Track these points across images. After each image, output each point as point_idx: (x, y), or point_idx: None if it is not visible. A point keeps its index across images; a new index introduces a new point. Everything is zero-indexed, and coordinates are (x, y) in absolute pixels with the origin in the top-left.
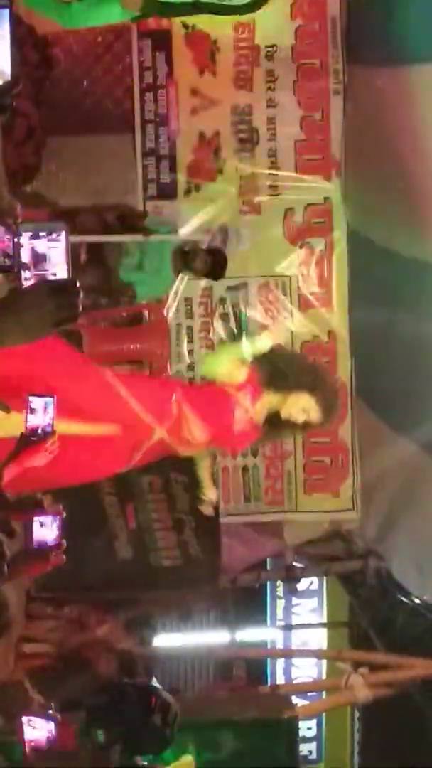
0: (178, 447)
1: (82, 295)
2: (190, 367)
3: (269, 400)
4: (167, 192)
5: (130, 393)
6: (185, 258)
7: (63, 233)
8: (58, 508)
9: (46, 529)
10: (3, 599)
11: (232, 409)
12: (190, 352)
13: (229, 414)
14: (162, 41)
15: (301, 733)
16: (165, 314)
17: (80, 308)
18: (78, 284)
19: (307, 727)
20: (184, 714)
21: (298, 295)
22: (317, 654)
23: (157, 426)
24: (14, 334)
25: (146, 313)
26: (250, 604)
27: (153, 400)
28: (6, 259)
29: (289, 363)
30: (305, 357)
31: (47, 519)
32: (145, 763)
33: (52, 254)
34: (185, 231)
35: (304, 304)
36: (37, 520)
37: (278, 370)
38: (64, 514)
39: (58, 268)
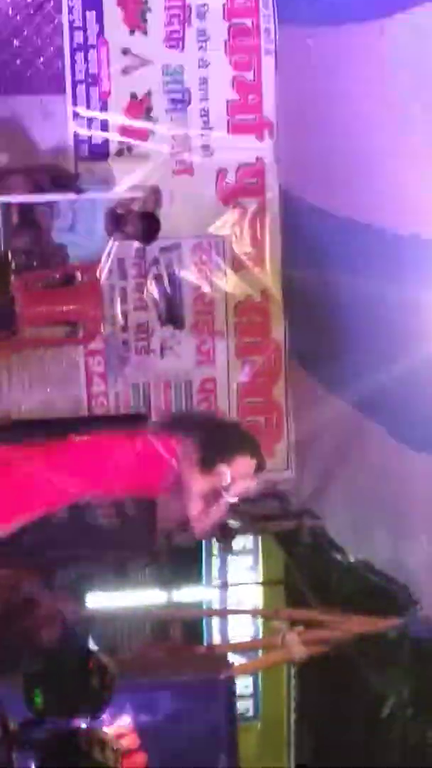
0: None
1: None
2: (123, 329)
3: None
4: (99, 152)
5: None
6: (117, 222)
7: None
8: None
9: None
10: None
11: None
12: (124, 313)
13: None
14: (93, 1)
15: (237, 691)
16: (98, 276)
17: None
18: None
19: (243, 685)
20: (120, 676)
21: (231, 256)
22: (253, 612)
23: None
24: None
25: (79, 274)
26: (185, 563)
27: None
28: None
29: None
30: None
31: None
32: (83, 726)
33: None
34: (117, 191)
35: (237, 265)
36: None
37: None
38: None
39: None
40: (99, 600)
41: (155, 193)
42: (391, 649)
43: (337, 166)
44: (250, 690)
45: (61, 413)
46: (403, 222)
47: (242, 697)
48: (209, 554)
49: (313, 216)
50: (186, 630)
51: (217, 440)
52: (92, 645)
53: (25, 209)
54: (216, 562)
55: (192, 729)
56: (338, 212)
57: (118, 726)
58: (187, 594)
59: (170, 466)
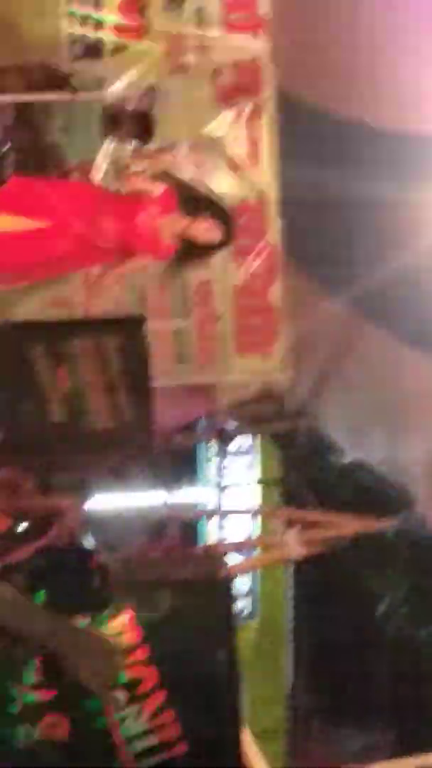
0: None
1: None
2: None
3: (178, 219)
4: (93, 51)
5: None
6: (112, 122)
7: None
8: None
9: None
10: None
11: (139, 211)
12: None
13: (137, 214)
14: None
15: (235, 590)
16: (93, 176)
17: None
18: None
19: (241, 584)
20: (120, 575)
21: (227, 157)
22: (251, 512)
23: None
24: None
25: (74, 175)
26: (183, 465)
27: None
28: None
29: (198, 191)
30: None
31: None
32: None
33: None
34: (112, 91)
35: (233, 166)
36: None
37: (191, 196)
38: None
39: None
40: (98, 502)
41: (150, 92)
42: (388, 549)
43: (336, 65)
44: (248, 589)
45: (59, 314)
46: (404, 119)
47: (240, 596)
48: (207, 456)
49: (311, 116)
50: (184, 531)
51: (198, 196)
52: (93, 545)
53: (20, 108)
54: (214, 463)
55: (192, 626)
56: (337, 111)
57: (120, 623)
58: (185, 495)
59: None
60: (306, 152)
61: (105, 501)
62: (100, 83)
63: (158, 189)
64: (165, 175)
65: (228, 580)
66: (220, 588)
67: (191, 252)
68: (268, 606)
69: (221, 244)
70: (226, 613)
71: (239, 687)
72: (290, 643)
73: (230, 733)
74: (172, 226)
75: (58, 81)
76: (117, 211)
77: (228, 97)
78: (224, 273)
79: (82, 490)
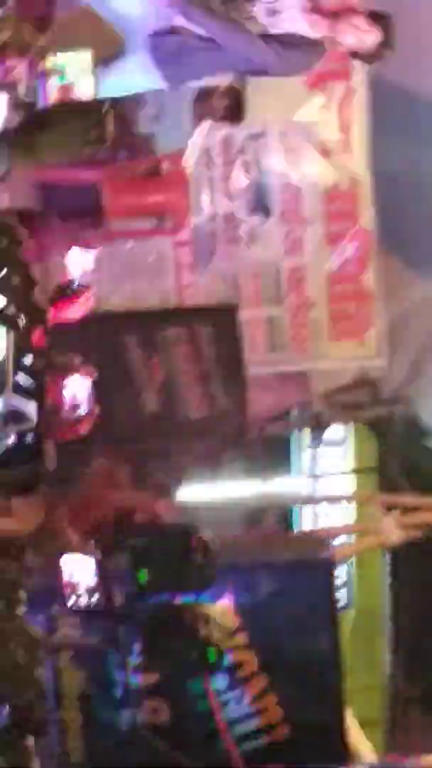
0: None
1: (111, 119)
2: (211, 219)
3: None
4: None
5: None
6: (203, 101)
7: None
8: (89, 370)
9: (77, 390)
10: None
11: None
12: (211, 203)
13: None
14: None
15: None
16: (184, 165)
17: (110, 130)
18: (107, 106)
19: (337, 575)
20: (221, 556)
21: (318, 142)
22: (348, 498)
23: None
24: (48, 151)
25: (166, 165)
26: (278, 453)
27: None
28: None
29: None
30: None
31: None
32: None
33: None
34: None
35: (324, 151)
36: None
37: None
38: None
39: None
40: (193, 491)
41: (241, 79)
42: None
43: (428, 46)
44: (344, 579)
45: (151, 304)
46: None
47: (336, 586)
48: (302, 444)
49: (402, 99)
50: (280, 519)
51: None
52: (194, 524)
53: (112, 99)
54: (308, 451)
55: (293, 609)
56: (428, 94)
57: (220, 606)
58: (280, 483)
59: None
60: (399, 135)
61: (200, 490)
62: None
63: None
64: None
65: (330, 563)
66: (322, 570)
67: None
68: (364, 595)
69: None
70: (328, 594)
71: (342, 670)
72: (388, 632)
73: (334, 716)
74: None
75: None
76: None
77: (319, 81)
78: (317, 259)
79: (177, 479)
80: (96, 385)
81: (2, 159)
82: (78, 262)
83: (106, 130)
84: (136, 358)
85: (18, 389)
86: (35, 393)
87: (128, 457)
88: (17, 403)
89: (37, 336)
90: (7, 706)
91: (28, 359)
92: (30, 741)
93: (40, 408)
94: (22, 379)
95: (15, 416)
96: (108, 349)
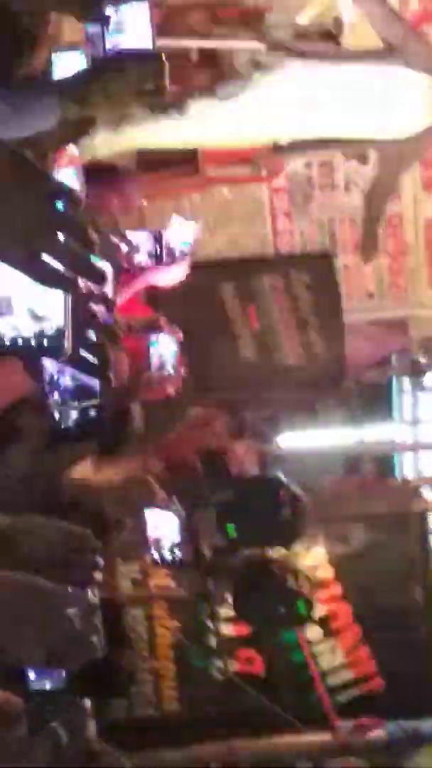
0: None
1: (167, 69)
2: (308, 166)
3: None
4: None
5: None
6: None
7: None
8: (175, 330)
9: (163, 349)
10: (129, 413)
11: None
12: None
13: None
14: None
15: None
16: None
17: (167, 83)
18: (164, 57)
19: None
20: (313, 508)
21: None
22: None
23: None
24: (101, 106)
25: None
26: (376, 400)
27: None
28: None
29: None
30: None
31: (165, 339)
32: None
33: (135, 22)
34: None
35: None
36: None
37: None
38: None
39: (141, 38)
40: (290, 438)
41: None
42: None
43: None
44: None
45: (247, 252)
46: None
47: None
48: (401, 391)
49: None
50: (378, 466)
51: None
52: (283, 477)
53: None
54: (407, 398)
55: (386, 560)
56: None
57: (313, 557)
58: (379, 431)
59: None
60: None
61: (299, 438)
62: None
63: None
64: None
65: (423, 514)
66: (414, 522)
67: None
68: None
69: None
70: (421, 546)
71: None
72: None
73: (428, 668)
74: None
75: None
76: None
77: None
78: (415, 204)
79: (274, 426)
80: (191, 335)
81: (55, 110)
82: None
83: (164, 81)
84: (232, 306)
85: (80, 362)
86: (98, 367)
87: (225, 405)
88: (80, 377)
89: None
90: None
91: (90, 332)
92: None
93: (106, 381)
94: (84, 351)
95: (78, 391)
96: (204, 298)
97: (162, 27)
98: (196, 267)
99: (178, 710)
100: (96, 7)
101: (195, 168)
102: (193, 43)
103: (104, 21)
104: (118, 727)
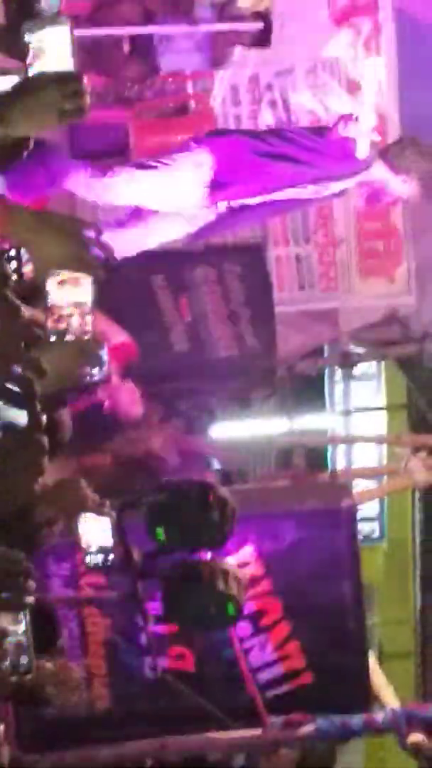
0: None
1: (88, 89)
2: None
3: None
4: None
5: None
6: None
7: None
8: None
9: None
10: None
11: None
12: None
13: None
14: None
15: (363, 513)
16: (211, 103)
17: (87, 102)
18: (84, 78)
19: (369, 507)
20: (242, 506)
21: (345, 79)
22: (376, 440)
23: None
24: (21, 123)
25: (192, 102)
26: (308, 391)
27: None
28: None
29: None
30: None
31: None
32: (206, 557)
33: (56, 45)
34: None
35: (352, 88)
36: None
37: None
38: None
39: (62, 60)
40: (222, 429)
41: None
42: None
43: None
44: (376, 512)
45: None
46: None
47: (368, 519)
48: (332, 381)
49: (429, 33)
50: (310, 457)
51: None
52: (211, 479)
53: (137, 39)
54: (339, 388)
55: (316, 556)
56: None
57: (243, 555)
58: (310, 421)
59: None
60: (426, 71)
61: (230, 429)
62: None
63: None
64: None
65: (352, 511)
66: (344, 518)
67: None
68: (396, 528)
69: None
70: (350, 543)
71: (364, 617)
72: (418, 566)
73: (356, 662)
74: None
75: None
76: None
77: (345, 17)
78: (345, 197)
79: (205, 418)
80: (122, 327)
81: None
82: None
83: (83, 101)
84: (164, 298)
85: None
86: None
87: (157, 396)
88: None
89: None
90: None
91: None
92: None
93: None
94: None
95: None
96: (136, 289)
97: (92, 17)
98: (128, 259)
99: (108, 709)
100: (13, 44)
101: (126, 160)
102: (124, 32)
103: (23, 55)
104: (50, 726)
